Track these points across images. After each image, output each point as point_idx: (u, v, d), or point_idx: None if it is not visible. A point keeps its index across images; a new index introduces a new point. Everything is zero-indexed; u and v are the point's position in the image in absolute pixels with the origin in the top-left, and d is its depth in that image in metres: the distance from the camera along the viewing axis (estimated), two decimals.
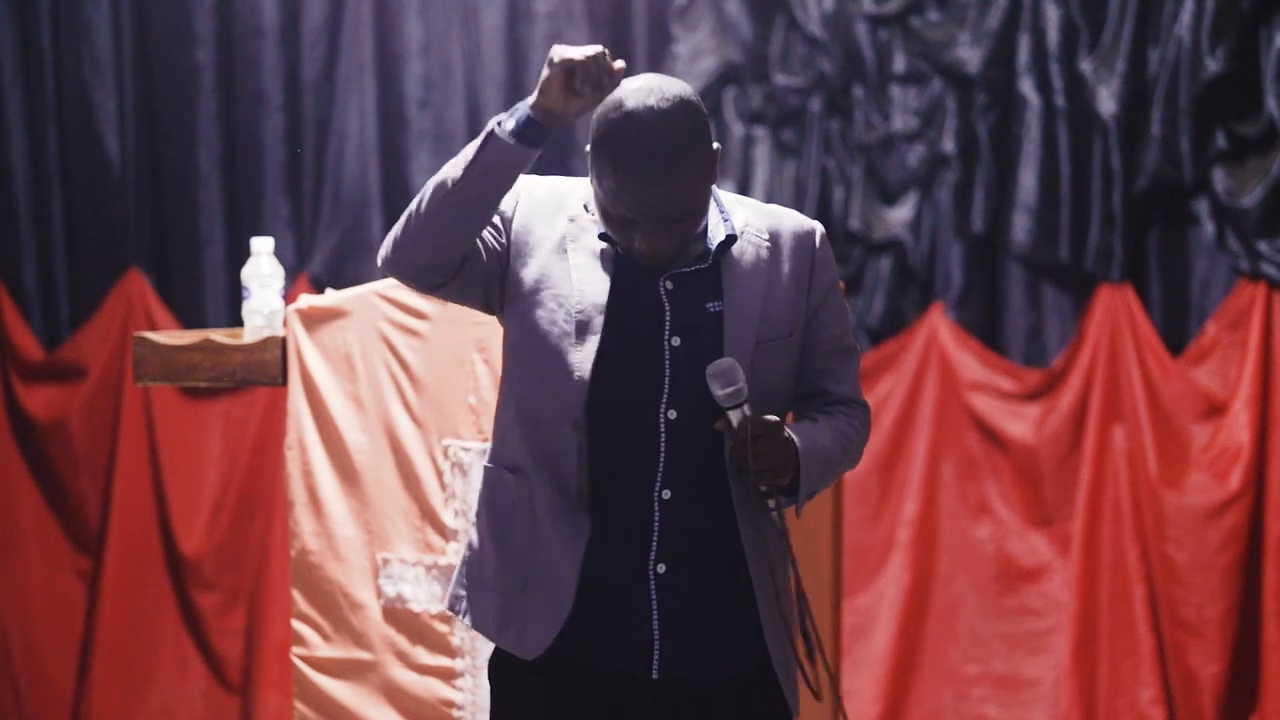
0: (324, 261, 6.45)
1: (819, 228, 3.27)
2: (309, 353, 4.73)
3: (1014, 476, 6.09)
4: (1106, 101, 5.96)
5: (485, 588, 3.25)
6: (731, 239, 3.17)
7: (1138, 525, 5.94)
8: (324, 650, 4.75)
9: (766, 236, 3.20)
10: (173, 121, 6.58)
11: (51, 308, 6.69)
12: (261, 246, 4.76)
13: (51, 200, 6.64)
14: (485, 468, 3.30)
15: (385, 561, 4.70)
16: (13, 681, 6.63)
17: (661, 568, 3.15)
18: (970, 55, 6.08)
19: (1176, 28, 5.89)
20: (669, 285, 3.15)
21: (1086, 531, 5.99)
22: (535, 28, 6.38)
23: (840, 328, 3.27)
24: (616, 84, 3.06)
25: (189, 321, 6.43)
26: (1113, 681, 5.94)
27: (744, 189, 6.24)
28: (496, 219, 3.22)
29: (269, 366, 4.73)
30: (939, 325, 6.15)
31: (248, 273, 4.76)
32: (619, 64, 3.07)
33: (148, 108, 6.58)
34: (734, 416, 3.07)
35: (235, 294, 5.85)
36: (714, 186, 3.19)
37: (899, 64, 6.16)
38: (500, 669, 3.28)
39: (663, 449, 3.13)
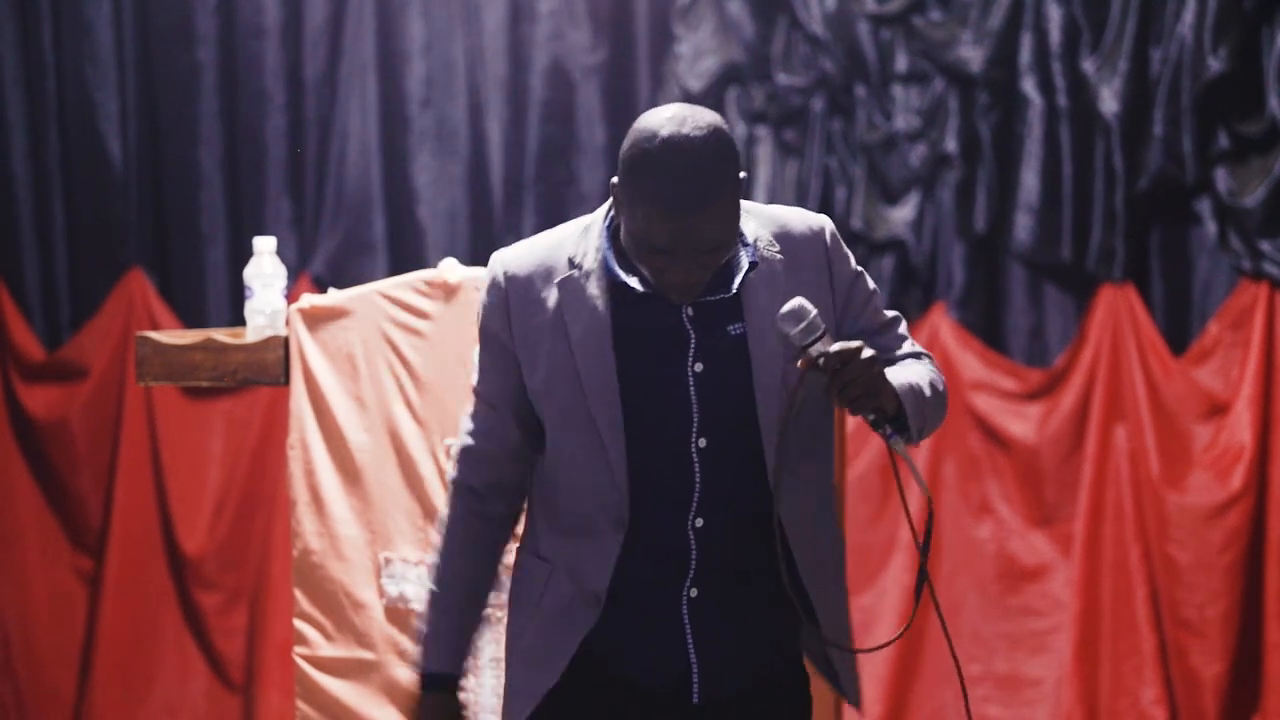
0: (326, 261, 6.45)
1: (826, 224, 3.23)
2: (311, 352, 4.72)
3: (1016, 476, 6.09)
4: (1109, 101, 5.96)
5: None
6: (754, 265, 3.12)
7: (1139, 525, 5.94)
8: (326, 650, 4.75)
9: (778, 248, 3.16)
10: (174, 121, 6.58)
11: (52, 308, 6.69)
12: (264, 246, 4.76)
13: (52, 200, 6.64)
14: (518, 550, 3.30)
15: (388, 561, 4.70)
16: (13, 681, 6.63)
17: (694, 592, 3.14)
18: (972, 55, 6.08)
19: (1179, 27, 5.89)
20: (690, 312, 3.11)
21: (1088, 531, 5.99)
22: (537, 27, 6.37)
23: (872, 308, 3.24)
24: None
25: (191, 321, 6.43)
26: (1115, 681, 5.94)
27: (746, 189, 6.23)
28: (498, 376, 3.20)
29: (271, 366, 4.73)
30: (941, 325, 6.15)
31: (250, 272, 4.76)
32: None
33: (149, 107, 6.58)
34: (814, 352, 3.00)
35: (237, 293, 5.86)
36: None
37: (901, 63, 6.16)
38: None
39: (697, 478, 3.12)
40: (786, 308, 3.01)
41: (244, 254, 5.36)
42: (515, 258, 3.21)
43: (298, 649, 4.76)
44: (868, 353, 2.98)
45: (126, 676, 6.53)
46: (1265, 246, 5.85)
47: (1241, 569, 5.86)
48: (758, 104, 6.25)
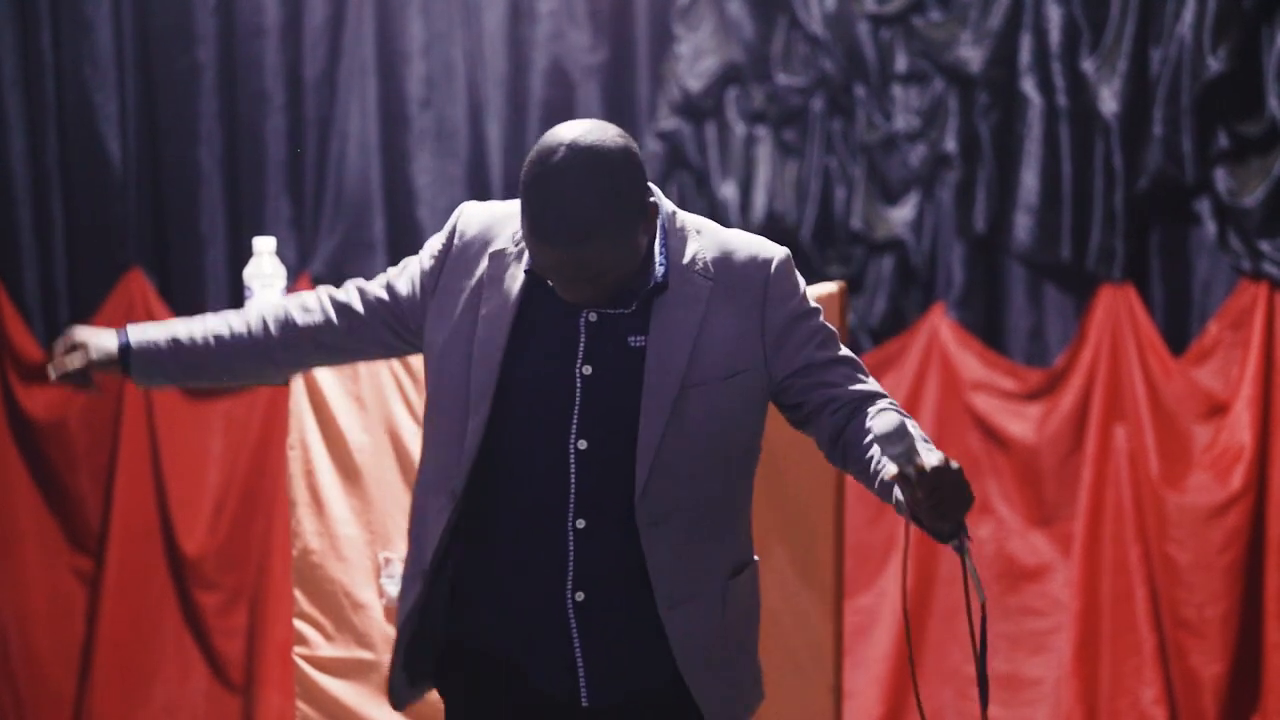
0: (326, 261, 6.45)
1: (776, 258, 3.16)
2: None
3: (1015, 476, 6.09)
4: (1108, 101, 5.96)
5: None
6: (662, 286, 3.09)
7: (1139, 525, 5.94)
8: (326, 650, 4.75)
9: (712, 273, 3.12)
10: (174, 121, 6.58)
11: (51, 308, 6.68)
12: (264, 246, 4.76)
13: (51, 200, 6.63)
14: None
15: (387, 561, 4.70)
16: (12, 682, 6.62)
17: (580, 596, 3.12)
18: (972, 55, 6.08)
19: (1178, 27, 5.89)
20: (592, 317, 3.10)
21: (1088, 531, 5.99)
22: (537, 27, 6.37)
23: (816, 349, 3.16)
24: (77, 371, 3.25)
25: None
26: (1114, 681, 5.94)
27: (746, 189, 6.24)
28: (401, 288, 3.25)
29: None
30: (940, 325, 6.15)
31: (250, 272, 4.75)
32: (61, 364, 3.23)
33: (149, 107, 6.58)
34: (910, 471, 2.95)
35: (237, 294, 5.85)
36: (672, 215, 3.14)
37: (901, 64, 6.16)
38: (443, 680, 3.29)
39: (574, 479, 3.09)
40: (886, 428, 2.95)
41: (244, 254, 5.35)
42: (473, 216, 3.23)
43: (297, 649, 4.76)
44: (955, 465, 2.97)
45: (126, 677, 6.52)
46: (1265, 246, 5.85)
47: (1241, 569, 5.86)
48: (757, 104, 6.25)
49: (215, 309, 6.38)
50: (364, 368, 4.71)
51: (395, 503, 4.68)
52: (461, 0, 6.40)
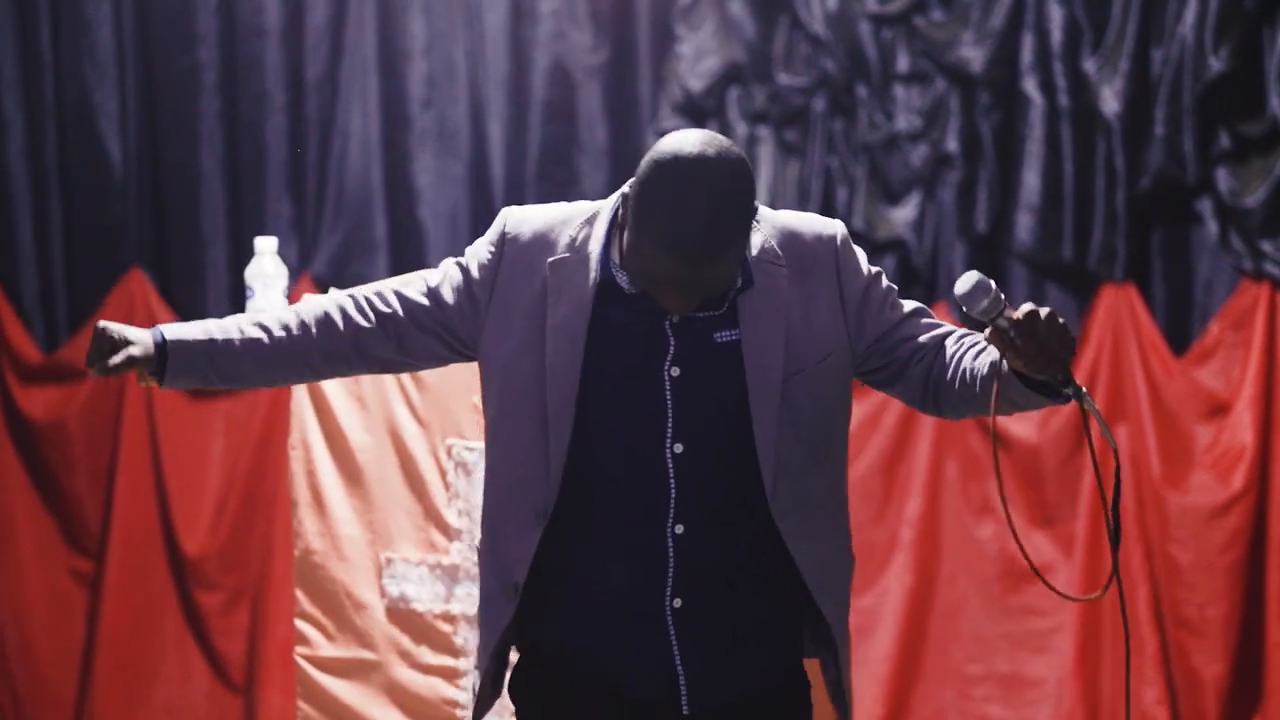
0: (327, 261, 6.45)
1: (838, 230, 3.17)
2: None
3: (1017, 476, 6.08)
4: (1110, 101, 5.96)
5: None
6: (748, 284, 3.07)
7: (1141, 525, 5.93)
8: (327, 650, 4.75)
9: (783, 259, 3.10)
10: (175, 121, 6.57)
11: (50, 309, 6.68)
12: (265, 246, 4.77)
13: (50, 200, 6.63)
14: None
15: (389, 561, 4.70)
16: (11, 683, 6.62)
17: (678, 602, 3.08)
18: (974, 55, 6.08)
19: (1180, 27, 5.89)
20: (675, 319, 3.06)
21: (1089, 531, 5.99)
22: (539, 27, 6.37)
23: (890, 305, 3.18)
24: (106, 350, 3.15)
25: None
26: (1116, 681, 5.94)
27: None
28: (448, 296, 3.17)
29: None
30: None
31: (251, 272, 4.76)
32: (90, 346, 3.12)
33: (149, 107, 6.57)
34: (1003, 323, 2.92)
35: (238, 294, 5.85)
36: None
37: (902, 64, 6.16)
38: (523, 691, 3.22)
39: (673, 483, 3.06)
40: (967, 285, 2.96)
41: (245, 254, 5.35)
42: (523, 220, 3.17)
43: (299, 649, 4.76)
44: (1045, 309, 2.93)
45: (127, 677, 6.52)
46: (1266, 247, 5.85)
47: (1243, 569, 5.86)
48: (759, 104, 6.25)
49: (216, 309, 6.43)
50: None
51: (397, 503, 4.68)
52: (463, 0, 6.40)
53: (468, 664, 4.60)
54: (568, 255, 3.11)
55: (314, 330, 3.20)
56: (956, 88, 6.12)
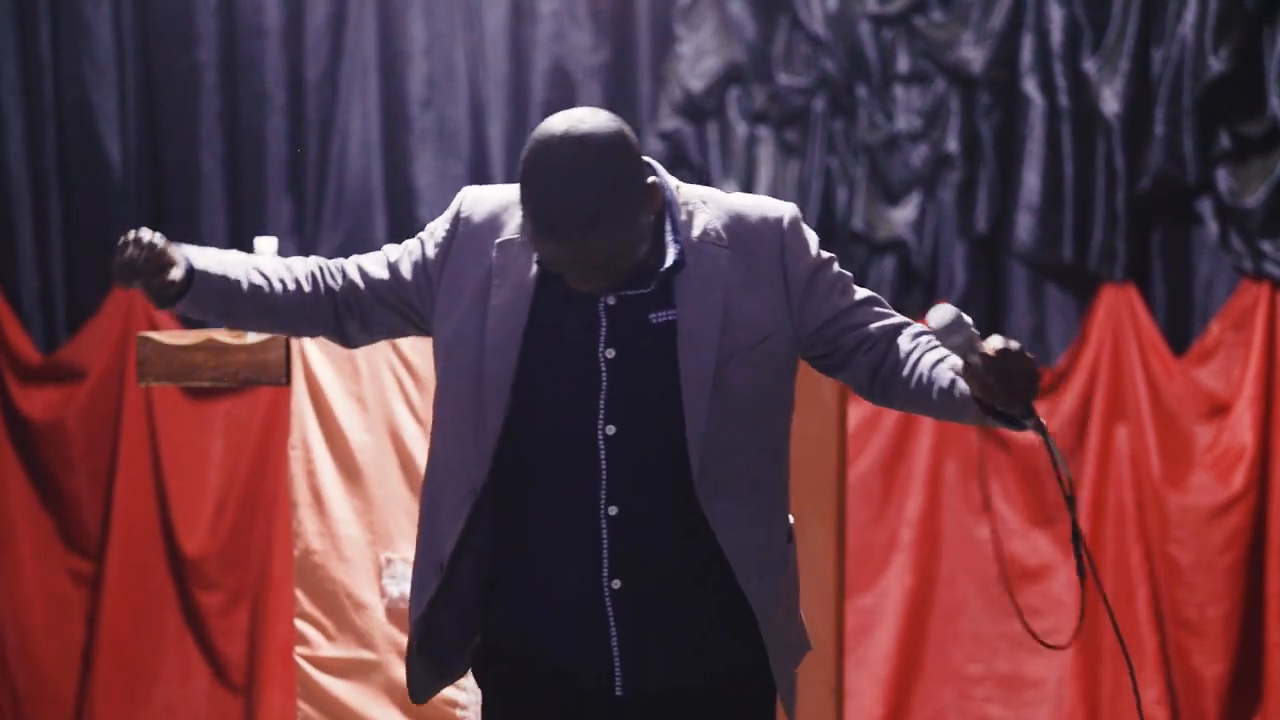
0: None
1: (787, 213, 3.14)
2: (313, 353, 4.73)
3: (1017, 476, 6.09)
4: (1110, 101, 5.96)
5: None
6: (679, 265, 3.07)
7: (1141, 525, 5.93)
8: (327, 650, 4.75)
9: (726, 240, 3.10)
10: (175, 121, 6.57)
11: (49, 309, 6.68)
12: (265, 246, 4.76)
13: (50, 201, 6.63)
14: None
15: (389, 561, 4.70)
16: (10, 684, 6.62)
17: (617, 583, 3.08)
18: (974, 55, 6.08)
19: (1180, 27, 5.89)
20: (611, 301, 3.07)
21: (1090, 531, 5.99)
22: (539, 27, 6.37)
23: (839, 291, 3.14)
24: (143, 260, 3.08)
25: (190, 322, 6.42)
26: (1116, 682, 5.94)
27: (747, 189, 6.24)
28: (405, 272, 3.20)
29: (272, 366, 4.73)
30: None
31: None
32: (129, 249, 3.07)
33: (149, 107, 6.58)
34: (974, 359, 2.92)
35: None
36: (676, 189, 3.11)
37: (902, 64, 6.16)
38: (483, 677, 3.25)
39: (604, 465, 3.06)
40: (944, 319, 2.94)
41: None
42: (478, 200, 3.19)
43: (299, 649, 4.77)
44: (1016, 344, 2.92)
45: (127, 678, 6.52)
46: (1266, 247, 5.85)
47: (1243, 569, 5.86)
48: (759, 104, 6.25)
49: None
50: (365, 367, 4.71)
51: (397, 503, 4.68)
52: (463, 0, 6.40)
53: None
54: (515, 237, 3.12)
55: (307, 289, 3.24)
56: (957, 88, 6.12)
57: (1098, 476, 5.99)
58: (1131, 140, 5.96)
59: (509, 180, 6.47)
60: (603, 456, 3.07)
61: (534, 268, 3.09)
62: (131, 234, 3.11)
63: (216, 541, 6.50)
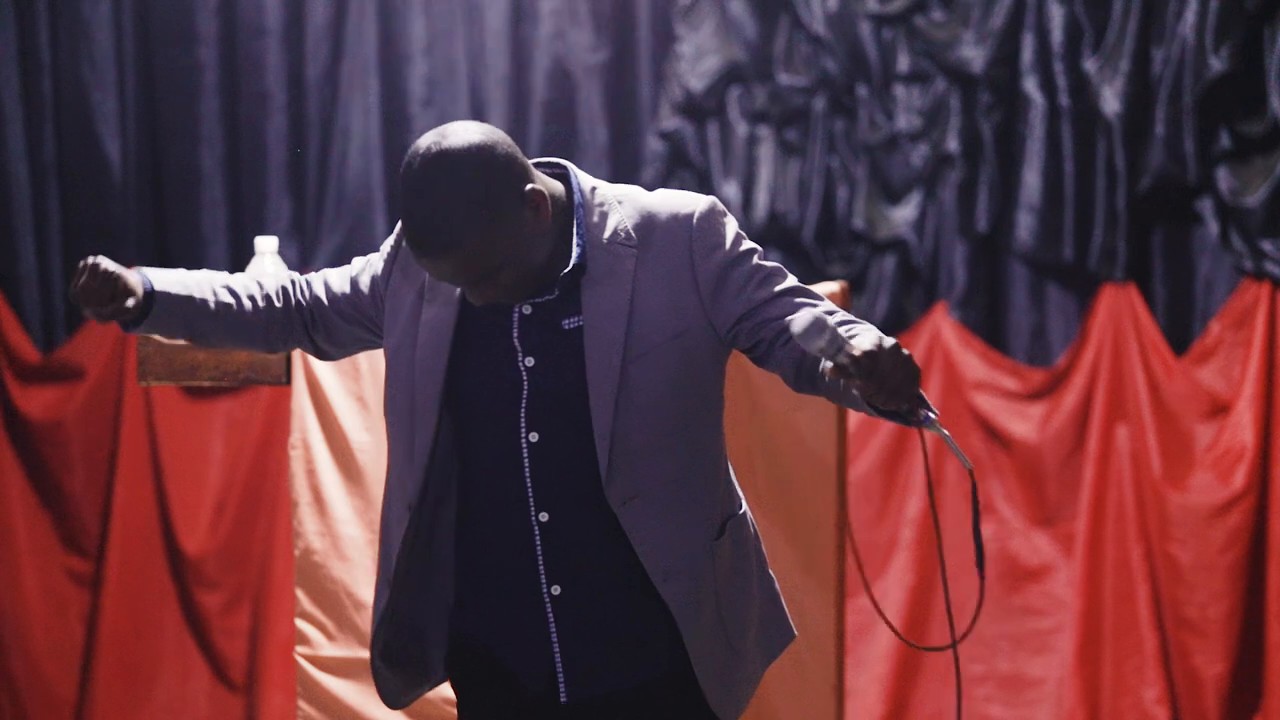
0: (327, 261, 6.45)
1: (697, 210, 3.08)
2: None
3: (1017, 476, 6.09)
4: (1110, 101, 5.96)
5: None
6: (581, 268, 3.05)
7: (1141, 525, 5.94)
8: (328, 649, 4.75)
9: (634, 240, 3.07)
10: (175, 121, 6.58)
11: (49, 309, 6.68)
12: (265, 246, 4.76)
13: (49, 201, 6.63)
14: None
15: None
16: (10, 685, 6.62)
17: (556, 589, 3.09)
18: (974, 55, 6.08)
19: (1180, 27, 5.89)
20: (525, 310, 3.07)
21: (1090, 531, 5.99)
22: (539, 27, 6.38)
23: (755, 289, 3.08)
24: (95, 288, 3.06)
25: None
26: (1117, 681, 5.94)
27: (748, 189, 6.24)
28: (364, 285, 3.22)
29: (273, 365, 4.73)
30: (942, 325, 6.15)
31: (252, 272, 4.75)
32: (81, 277, 3.06)
33: (149, 107, 6.58)
34: (843, 360, 2.86)
35: None
36: (592, 191, 3.09)
37: (903, 63, 6.16)
38: (451, 676, 3.28)
39: (528, 472, 3.07)
40: (801, 325, 2.88)
41: (245, 254, 5.35)
42: None
43: (299, 649, 4.76)
44: (889, 342, 2.88)
45: (128, 677, 6.52)
46: (1267, 246, 5.85)
47: (1243, 569, 5.86)
48: (759, 104, 6.25)
49: None
50: (366, 366, 4.71)
51: None
52: (463, 0, 6.40)
53: None
54: None
55: (277, 305, 3.27)
56: (957, 87, 6.12)
57: (1098, 476, 5.99)
58: (1132, 140, 5.96)
59: None
60: (527, 464, 3.08)
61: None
62: (86, 261, 3.11)
63: (217, 541, 6.50)
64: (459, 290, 3.10)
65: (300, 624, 4.76)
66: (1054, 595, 6.05)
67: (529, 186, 2.99)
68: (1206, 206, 5.97)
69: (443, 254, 2.94)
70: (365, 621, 4.72)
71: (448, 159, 2.94)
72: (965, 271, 6.15)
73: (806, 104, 6.23)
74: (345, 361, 4.72)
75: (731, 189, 6.26)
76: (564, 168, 3.11)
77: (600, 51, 6.39)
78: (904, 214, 6.18)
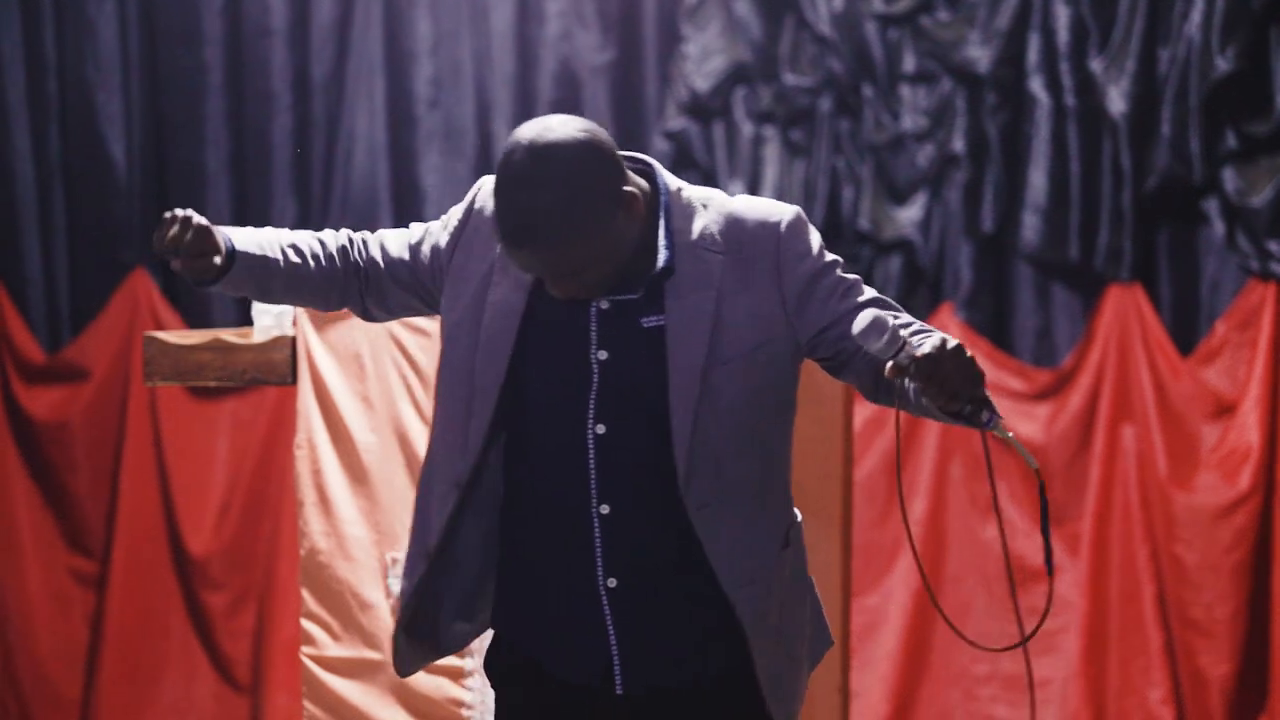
0: None
1: (785, 218, 3.10)
2: (318, 352, 4.73)
3: (1023, 476, 6.09)
4: (1116, 101, 5.96)
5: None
6: (669, 270, 3.05)
7: (1147, 525, 5.93)
8: (333, 650, 4.75)
9: (721, 245, 3.07)
10: (181, 121, 6.58)
11: (54, 309, 6.68)
12: None
13: (54, 200, 6.63)
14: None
15: (394, 561, 4.70)
16: (15, 684, 6.62)
17: (612, 582, 3.09)
18: (980, 55, 6.08)
19: (1186, 27, 5.89)
20: (604, 305, 3.06)
21: (1096, 531, 5.99)
22: (546, 27, 6.38)
23: (839, 301, 3.09)
24: (187, 241, 3.06)
25: (195, 322, 6.42)
26: (1122, 681, 5.94)
27: (753, 189, 6.24)
28: (424, 254, 3.21)
29: (279, 366, 4.74)
30: (948, 325, 6.14)
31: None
32: (174, 227, 3.06)
33: (154, 107, 6.58)
34: (903, 360, 2.90)
35: None
36: (678, 192, 3.09)
37: (909, 63, 6.16)
38: (490, 671, 3.27)
39: (593, 464, 3.07)
40: (861, 324, 2.92)
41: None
42: (490, 193, 3.14)
43: (305, 649, 4.76)
44: (952, 343, 2.89)
45: (133, 678, 6.52)
46: (1273, 247, 5.85)
47: (1249, 569, 5.86)
48: (765, 104, 6.25)
49: (221, 311, 6.44)
50: (371, 367, 4.71)
51: (403, 503, 4.68)
52: (469, 0, 6.40)
53: (474, 664, 4.60)
54: None
55: (338, 264, 3.26)
56: (963, 88, 6.12)
57: (1104, 476, 5.99)
58: (1138, 140, 5.96)
59: None
60: (592, 456, 3.07)
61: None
62: (178, 212, 3.10)
63: (222, 541, 6.50)
64: (530, 277, 3.08)
65: (305, 624, 4.76)
66: (1059, 595, 6.05)
67: (626, 187, 2.99)
68: (1212, 207, 5.97)
69: (539, 247, 2.93)
70: (371, 621, 4.72)
71: (553, 152, 2.93)
72: (971, 272, 6.15)
73: (812, 104, 6.23)
74: (351, 362, 4.72)
75: (736, 189, 6.25)
76: (649, 165, 3.10)
77: (606, 52, 6.39)
78: (909, 214, 6.18)
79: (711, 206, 3.11)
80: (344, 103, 6.48)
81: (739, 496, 3.09)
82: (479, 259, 3.14)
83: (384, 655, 4.69)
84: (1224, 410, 5.92)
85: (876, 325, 2.91)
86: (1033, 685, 3.23)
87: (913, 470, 6.15)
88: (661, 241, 3.06)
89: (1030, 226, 6.07)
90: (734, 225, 3.09)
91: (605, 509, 3.07)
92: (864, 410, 5.87)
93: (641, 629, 3.10)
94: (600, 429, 3.06)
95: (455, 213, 3.20)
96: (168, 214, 3.10)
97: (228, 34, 6.53)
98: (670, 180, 3.11)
